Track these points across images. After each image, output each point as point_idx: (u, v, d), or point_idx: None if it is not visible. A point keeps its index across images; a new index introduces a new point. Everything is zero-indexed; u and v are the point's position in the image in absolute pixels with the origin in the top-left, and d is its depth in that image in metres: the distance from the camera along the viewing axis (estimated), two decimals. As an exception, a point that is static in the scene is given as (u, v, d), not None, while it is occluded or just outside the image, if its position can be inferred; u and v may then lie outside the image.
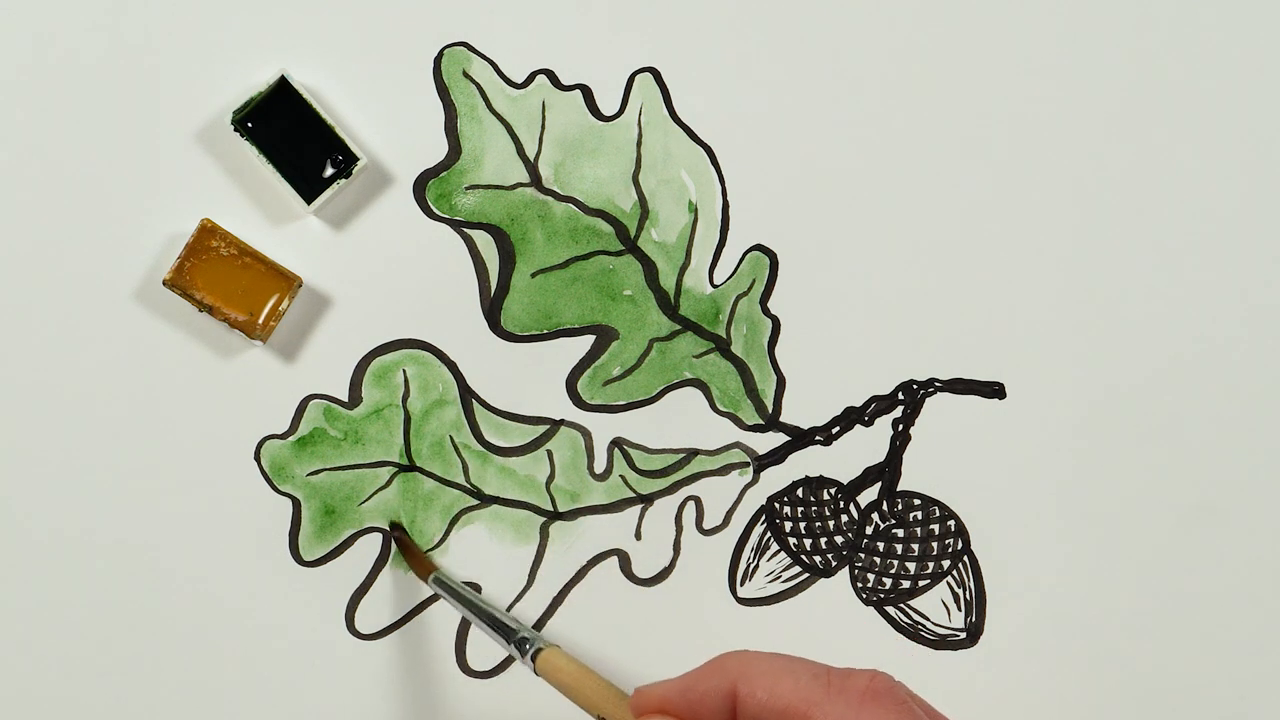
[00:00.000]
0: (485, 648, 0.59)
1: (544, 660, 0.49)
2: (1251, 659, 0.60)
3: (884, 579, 0.60)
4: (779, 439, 0.60)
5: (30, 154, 0.57)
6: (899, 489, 0.60)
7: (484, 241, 0.59)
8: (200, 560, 0.58)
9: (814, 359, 0.60)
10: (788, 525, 0.60)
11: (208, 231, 0.57)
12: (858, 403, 0.60)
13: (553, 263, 0.59)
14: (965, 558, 0.60)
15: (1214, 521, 0.60)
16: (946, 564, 0.60)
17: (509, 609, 0.59)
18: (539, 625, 0.59)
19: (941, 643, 0.60)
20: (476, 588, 0.59)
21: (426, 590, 0.59)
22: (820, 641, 0.59)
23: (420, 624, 0.59)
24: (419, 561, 0.58)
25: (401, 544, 0.58)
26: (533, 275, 0.59)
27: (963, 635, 0.60)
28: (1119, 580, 0.60)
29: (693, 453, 0.60)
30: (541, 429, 0.59)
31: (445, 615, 0.59)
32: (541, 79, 0.59)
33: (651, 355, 0.59)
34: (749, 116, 0.59)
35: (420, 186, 0.59)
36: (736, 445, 0.60)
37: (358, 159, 0.57)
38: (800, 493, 0.60)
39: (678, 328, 0.60)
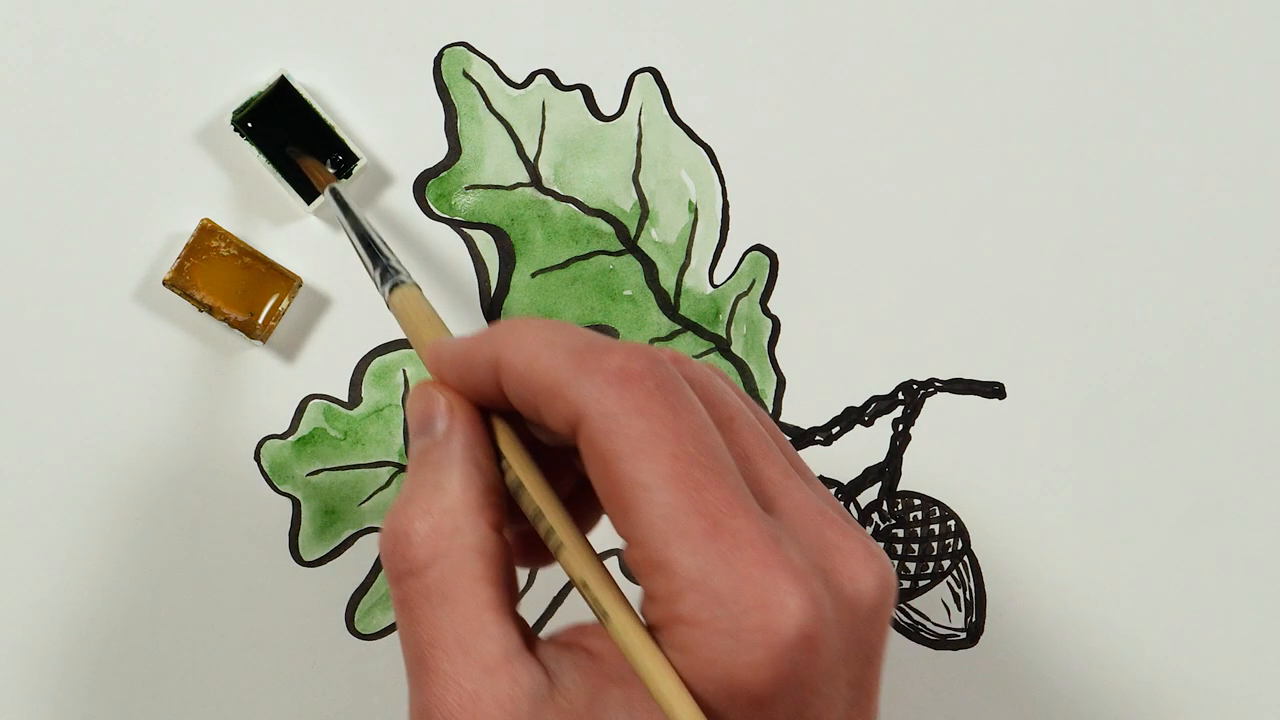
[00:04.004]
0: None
1: (398, 295, 0.46)
2: (1251, 659, 0.60)
3: (884, 579, 0.60)
4: (779, 439, 0.60)
5: (30, 154, 0.57)
6: (899, 489, 0.60)
7: (484, 241, 0.59)
8: (200, 560, 0.58)
9: (814, 359, 0.60)
10: (788, 525, 0.60)
11: (208, 231, 0.57)
12: (858, 403, 0.60)
13: (553, 263, 0.59)
14: (965, 558, 0.60)
15: (1214, 521, 0.60)
16: (946, 564, 0.60)
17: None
18: (539, 626, 0.59)
19: (941, 643, 0.60)
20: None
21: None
22: (820, 641, 0.59)
23: (420, 624, 0.59)
24: (317, 172, 0.56)
25: (303, 162, 0.57)
26: (533, 275, 0.59)
27: (963, 635, 0.60)
28: (1119, 580, 0.60)
29: (693, 453, 0.60)
30: (541, 429, 0.59)
31: (445, 615, 0.59)
32: (541, 79, 0.59)
33: (651, 355, 0.59)
34: (749, 116, 0.59)
35: (420, 186, 0.59)
36: (736, 445, 0.60)
37: (358, 159, 0.57)
38: (800, 493, 0.60)
39: (678, 328, 0.60)
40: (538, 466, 0.40)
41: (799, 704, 0.36)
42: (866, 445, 0.60)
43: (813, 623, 0.35)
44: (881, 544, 0.60)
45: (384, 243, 0.50)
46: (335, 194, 0.54)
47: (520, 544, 0.43)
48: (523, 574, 0.59)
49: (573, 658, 0.38)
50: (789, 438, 0.60)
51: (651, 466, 0.36)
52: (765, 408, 0.60)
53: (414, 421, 0.41)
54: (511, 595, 0.39)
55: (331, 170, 0.57)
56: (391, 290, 0.46)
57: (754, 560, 0.35)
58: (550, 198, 0.59)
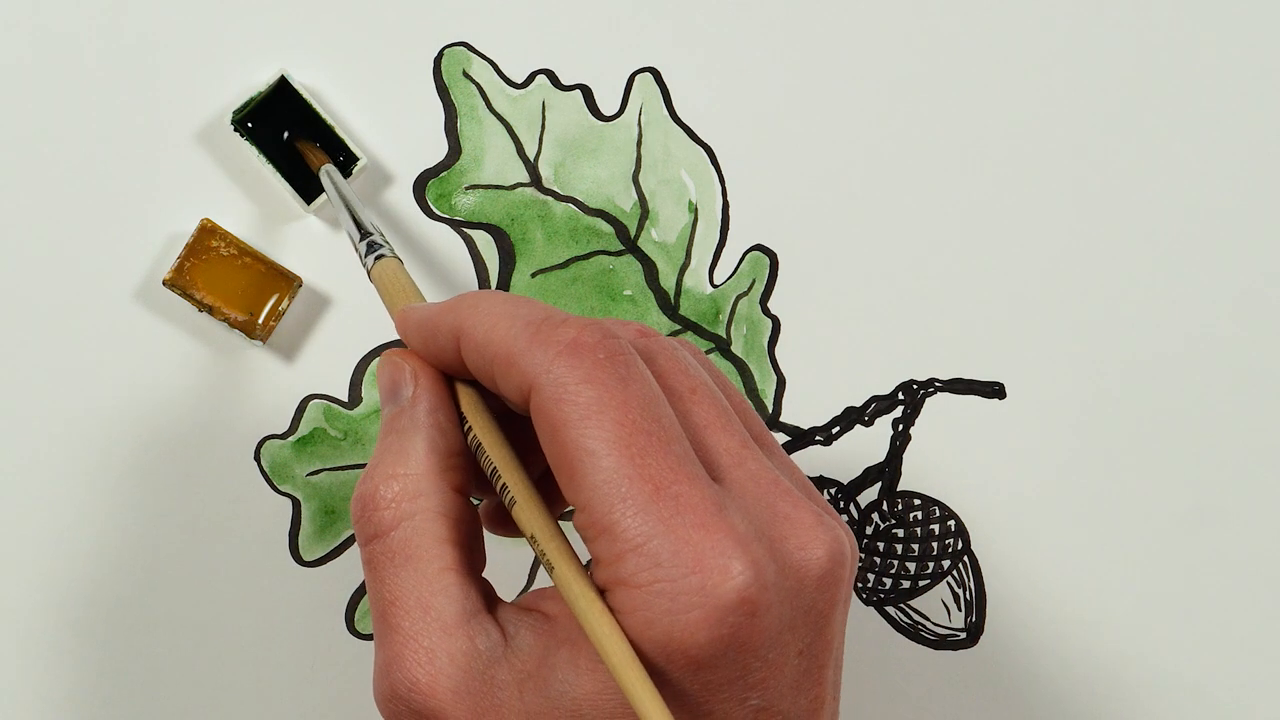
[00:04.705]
0: (485, 648, 0.59)
1: (379, 266, 0.47)
2: (1251, 659, 0.60)
3: (884, 579, 0.60)
4: (779, 439, 0.60)
5: (30, 154, 0.57)
6: (899, 489, 0.60)
7: (484, 241, 0.59)
8: (200, 560, 0.58)
9: (814, 359, 0.60)
10: (788, 525, 0.60)
11: (208, 231, 0.57)
12: (858, 403, 0.60)
13: (553, 263, 0.59)
14: (965, 558, 0.60)
15: (1214, 521, 0.60)
16: (946, 564, 0.60)
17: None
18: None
19: (941, 643, 0.60)
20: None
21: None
22: (820, 641, 0.59)
23: (420, 624, 0.59)
24: (313, 154, 0.56)
25: (300, 144, 0.57)
26: (533, 275, 0.59)
27: (963, 635, 0.60)
28: (1119, 580, 0.60)
29: (693, 453, 0.60)
30: (541, 429, 0.59)
31: (445, 615, 0.59)
32: (541, 79, 0.59)
33: (651, 355, 0.59)
34: (749, 116, 0.59)
35: (420, 186, 0.59)
36: (736, 445, 0.60)
37: (358, 159, 0.57)
38: (800, 493, 0.60)
39: (678, 328, 0.60)
40: (510, 437, 0.41)
41: (740, 669, 0.37)
42: (866, 445, 0.60)
43: (752, 587, 0.36)
44: (881, 544, 0.60)
45: (373, 221, 0.51)
46: (329, 174, 0.55)
47: (497, 514, 0.44)
48: (521, 576, 0.59)
49: (530, 620, 0.39)
50: (789, 438, 0.60)
51: (597, 433, 0.37)
52: (765, 408, 0.60)
53: (382, 389, 0.42)
54: (473, 558, 0.41)
55: (331, 170, 0.57)
56: (374, 262, 0.48)
57: (694, 524, 0.36)
58: (550, 198, 0.59)
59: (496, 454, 0.40)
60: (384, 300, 0.47)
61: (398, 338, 0.58)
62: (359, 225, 0.51)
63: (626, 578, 0.36)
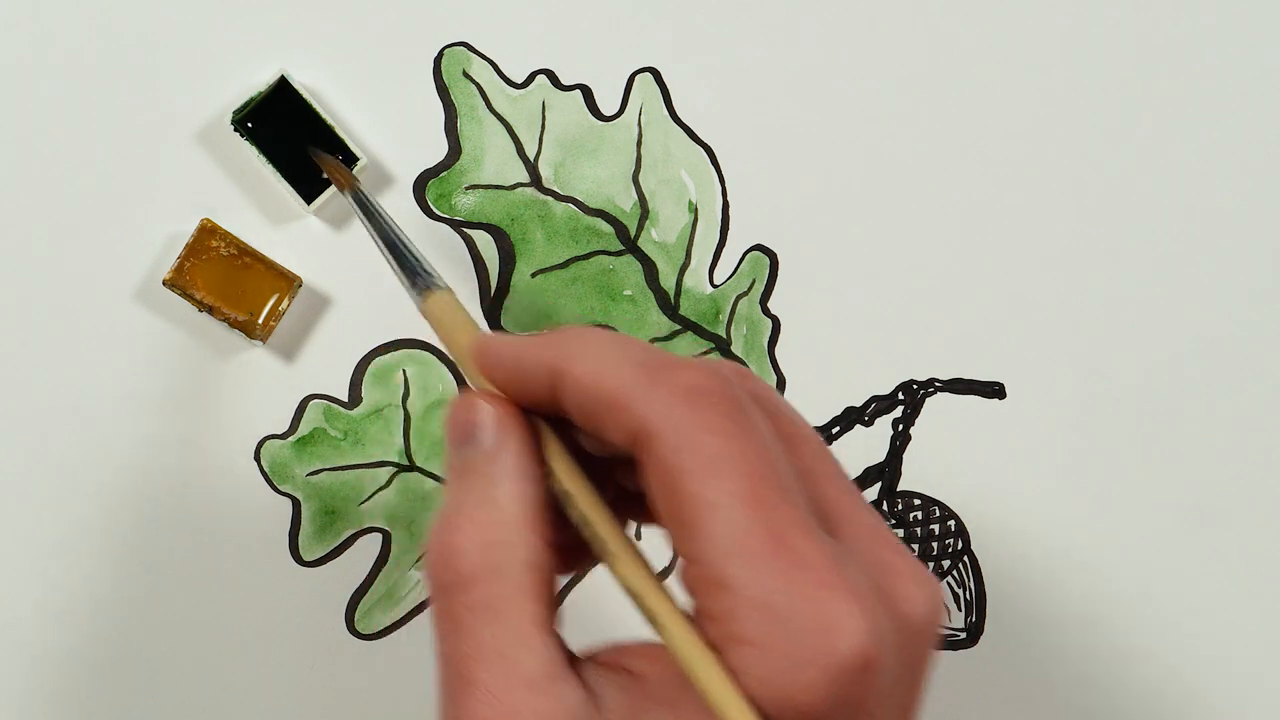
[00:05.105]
0: (485, 648, 0.59)
1: (433, 301, 0.45)
2: (1251, 659, 0.60)
3: (884, 579, 0.60)
4: (779, 439, 0.60)
5: (30, 154, 0.57)
6: (899, 489, 0.60)
7: (484, 241, 0.59)
8: (200, 560, 0.58)
9: (814, 359, 0.60)
10: (788, 525, 0.60)
11: (208, 231, 0.57)
12: (858, 403, 0.60)
13: (553, 263, 0.59)
14: (965, 558, 0.60)
15: (1214, 521, 0.60)
16: (946, 564, 0.60)
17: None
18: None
19: (941, 643, 0.60)
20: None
21: (427, 591, 0.59)
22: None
23: (420, 624, 0.59)
24: (339, 173, 0.55)
25: (325, 162, 0.56)
26: (533, 275, 0.59)
27: (963, 635, 0.60)
28: (1119, 580, 0.60)
29: (693, 453, 0.60)
30: (541, 429, 0.59)
31: (445, 615, 0.59)
32: (541, 79, 0.59)
33: (651, 355, 0.59)
34: (749, 116, 0.59)
35: (420, 186, 0.59)
36: (736, 445, 0.60)
37: (358, 159, 0.57)
38: (800, 493, 0.60)
39: (678, 328, 0.60)
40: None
41: None
42: (866, 445, 0.60)
43: (871, 646, 0.35)
44: (881, 544, 0.60)
45: (411, 244, 0.48)
46: (357, 195, 0.53)
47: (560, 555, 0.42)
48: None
49: (615, 678, 0.38)
50: (789, 438, 0.60)
51: (720, 485, 0.35)
52: (765, 408, 0.60)
53: (457, 431, 0.40)
54: (554, 611, 0.39)
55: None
56: (424, 295, 0.45)
57: (816, 582, 0.35)
58: (550, 198, 0.59)
59: (591, 505, 0.39)
60: (441, 334, 0.44)
61: (398, 337, 0.58)
62: (403, 254, 0.48)
63: (743, 635, 0.35)
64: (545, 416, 0.39)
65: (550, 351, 0.38)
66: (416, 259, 0.47)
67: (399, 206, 0.58)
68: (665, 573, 0.60)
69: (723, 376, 0.37)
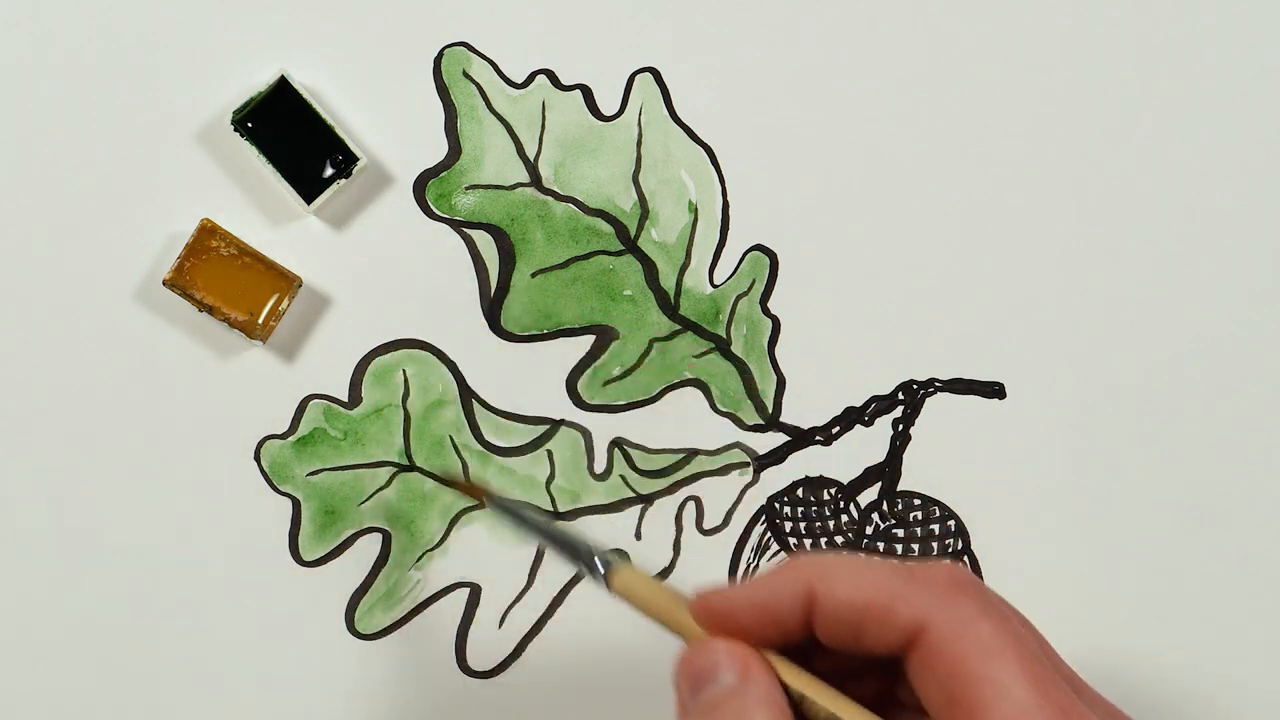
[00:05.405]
0: (485, 648, 0.59)
1: (620, 578, 0.45)
2: (1251, 659, 0.60)
3: (884, 579, 0.60)
4: (779, 439, 0.60)
5: (30, 154, 0.57)
6: (899, 489, 0.60)
7: (484, 241, 0.59)
8: (200, 560, 0.58)
9: (814, 359, 0.60)
10: (788, 525, 0.60)
11: (208, 231, 0.57)
12: (858, 403, 0.60)
13: (553, 263, 0.59)
14: (965, 558, 0.60)
15: (1214, 521, 0.60)
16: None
17: (509, 609, 0.59)
18: (539, 626, 0.59)
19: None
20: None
21: (426, 590, 0.59)
22: (820, 641, 0.59)
23: (420, 624, 0.59)
24: (470, 489, 0.57)
25: (446, 480, 0.58)
26: (533, 275, 0.59)
27: (963, 635, 0.60)
28: (1119, 580, 0.60)
29: (693, 453, 0.60)
30: (541, 429, 0.59)
31: (445, 615, 0.59)
32: (541, 79, 0.59)
33: (651, 355, 0.59)
34: (749, 116, 0.59)
35: (420, 186, 0.59)
36: (736, 445, 0.60)
37: (358, 159, 0.57)
38: (800, 493, 0.60)
39: (678, 328, 0.60)
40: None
41: None
42: (866, 445, 0.60)
43: None
44: (881, 544, 0.60)
45: (569, 531, 0.49)
46: (500, 504, 0.53)
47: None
48: (521, 576, 0.59)
49: None
50: (789, 438, 0.60)
51: (1003, 665, 0.38)
52: (765, 408, 0.60)
53: (694, 677, 0.41)
54: None
55: (331, 170, 0.57)
56: (609, 576, 0.45)
57: None
58: (550, 198, 0.59)
59: (860, 711, 0.40)
60: (639, 606, 0.44)
61: (399, 337, 0.58)
62: (572, 545, 0.48)
63: None
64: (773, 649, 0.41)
65: (796, 580, 0.40)
66: (586, 544, 0.47)
67: (399, 206, 0.58)
68: (666, 573, 0.60)
69: (967, 570, 0.40)
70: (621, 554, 0.45)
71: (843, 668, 0.42)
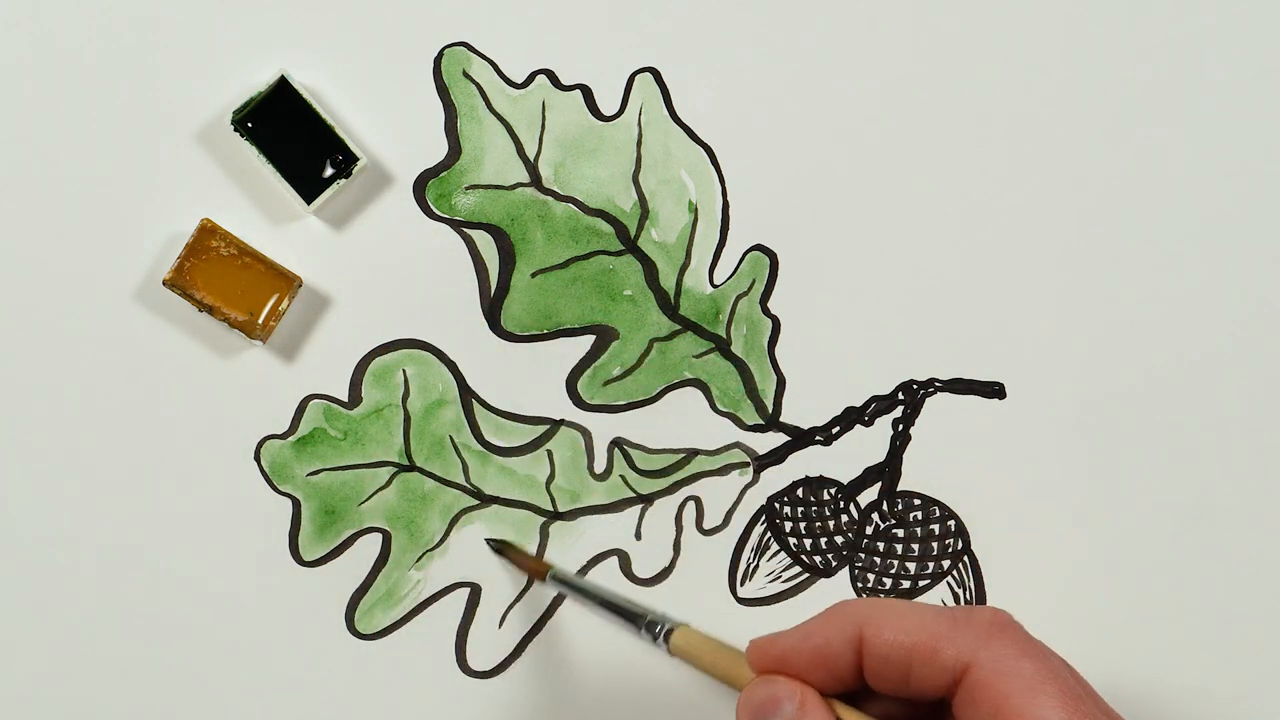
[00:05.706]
0: (485, 647, 0.59)
1: (678, 639, 0.48)
2: (1251, 659, 0.60)
3: (884, 579, 0.60)
4: (779, 439, 0.60)
5: (30, 154, 0.57)
6: (899, 489, 0.60)
7: (484, 241, 0.59)
8: (200, 560, 0.58)
9: (814, 359, 0.60)
10: (788, 525, 0.60)
11: (208, 231, 0.57)
12: (858, 403, 0.60)
13: (553, 263, 0.59)
14: (965, 558, 0.60)
15: (1214, 521, 0.60)
16: (946, 564, 0.60)
17: (509, 609, 0.59)
18: (539, 626, 0.59)
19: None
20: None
21: (426, 590, 0.59)
22: (820, 641, 0.59)
23: (420, 624, 0.59)
24: (530, 563, 0.58)
25: (507, 555, 0.58)
26: (533, 275, 0.59)
27: (963, 635, 0.60)
28: (1119, 580, 0.60)
29: (693, 453, 0.60)
30: (541, 429, 0.59)
31: (445, 615, 0.59)
32: (541, 79, 0.59)
33: (651, 355, 0.59)
34: (749, 116, 0.59)
35: (420, 186, 0.59)
36: (736, 445, 0.60)
37: (358, 159, 0.57)
38: (800, 493, 0.60)
39: (678, 328, 0.60)
40: None
41: None
42: (866, 445, 0.60)
43: None
44: (881, 544, 0.60)
45: (626, 600, 0.51)
46: (563, 580, 0.55)
47: None
48: (521, 576, 0.59)
49: None
50: (789, 438, 0.60)
51: (1046, 700, 0.41)
52: (765, 408, 0.60)
53: (753, 711, 0.44)
54: None
55: (331, 170, 0.57)
56: (668, 638, 0.48)
57: None
58: (550, 198, 0.59)
59: None
60: (699, 665, 0.47)
61: (399, 337, 0.58)
62: (631, 613, 0.51)
63: None
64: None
65: (846, 624, 0.43)
66: (644, 610, 0.50)
67: (399, 206, 0.58)
68: (666, 573, 0.60)
69: (1009, 614, 0.43)
70: (684, 625, 0.48)
71: (891, 714, 0.44)
